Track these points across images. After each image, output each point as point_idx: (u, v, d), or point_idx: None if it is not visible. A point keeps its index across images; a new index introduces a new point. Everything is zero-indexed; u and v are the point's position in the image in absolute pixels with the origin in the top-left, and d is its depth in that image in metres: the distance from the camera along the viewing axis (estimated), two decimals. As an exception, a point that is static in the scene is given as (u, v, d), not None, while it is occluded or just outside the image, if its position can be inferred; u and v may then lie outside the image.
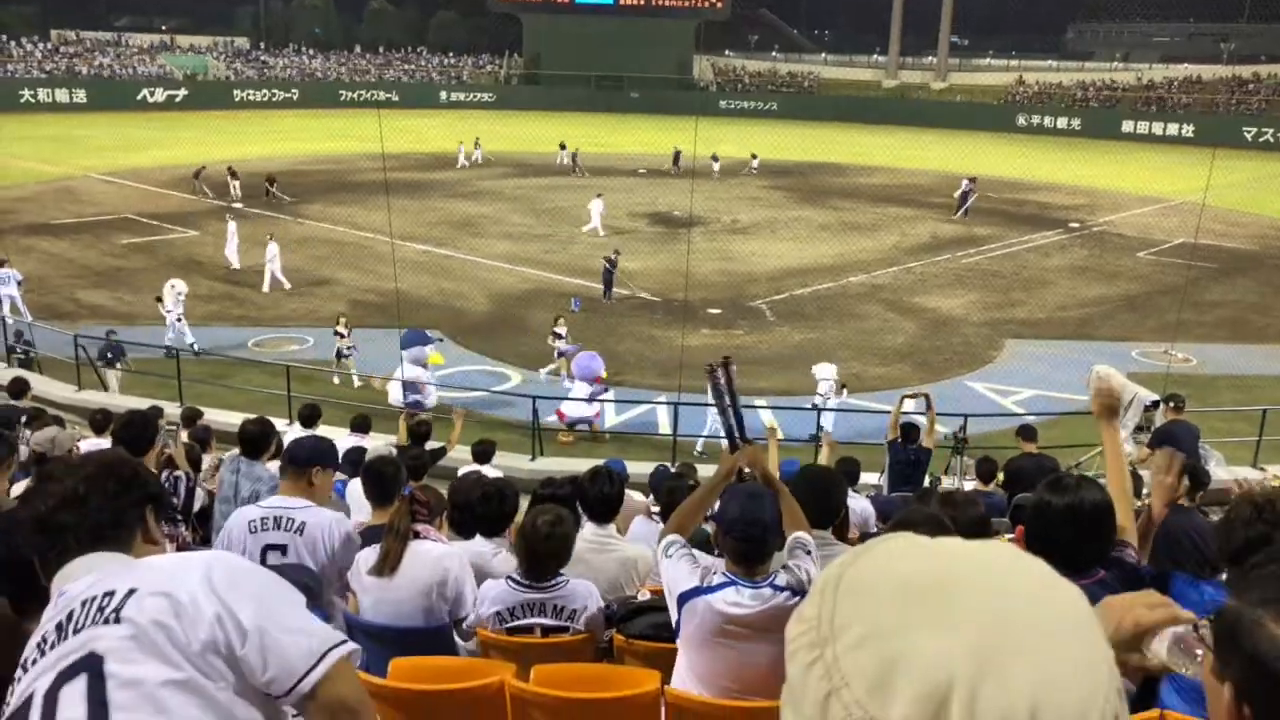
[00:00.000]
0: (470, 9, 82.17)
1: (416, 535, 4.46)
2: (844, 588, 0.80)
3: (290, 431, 9.60)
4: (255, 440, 6.11)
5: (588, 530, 5.06)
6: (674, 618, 3.42)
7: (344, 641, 1.88)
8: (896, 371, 17.08)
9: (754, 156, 43.59)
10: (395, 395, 15.03)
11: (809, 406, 14.83)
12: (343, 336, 16.75)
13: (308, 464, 4.66)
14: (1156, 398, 10.79)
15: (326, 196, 33.69)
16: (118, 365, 15.38)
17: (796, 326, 20.30)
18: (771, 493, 3.62)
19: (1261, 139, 57.27)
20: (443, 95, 73.29)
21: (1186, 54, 79.44)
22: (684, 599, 3.33)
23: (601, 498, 5.09)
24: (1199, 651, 1.27)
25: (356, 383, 16.54)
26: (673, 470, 9.07)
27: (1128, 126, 63.34)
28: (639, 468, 9.87)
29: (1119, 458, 3.80)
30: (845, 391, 15.33)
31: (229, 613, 1.73)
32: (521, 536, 4.21)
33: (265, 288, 22.01)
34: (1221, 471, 11.19)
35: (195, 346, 17.41)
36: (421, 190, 35.18)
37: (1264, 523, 3.29)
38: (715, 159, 41.95)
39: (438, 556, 4.42)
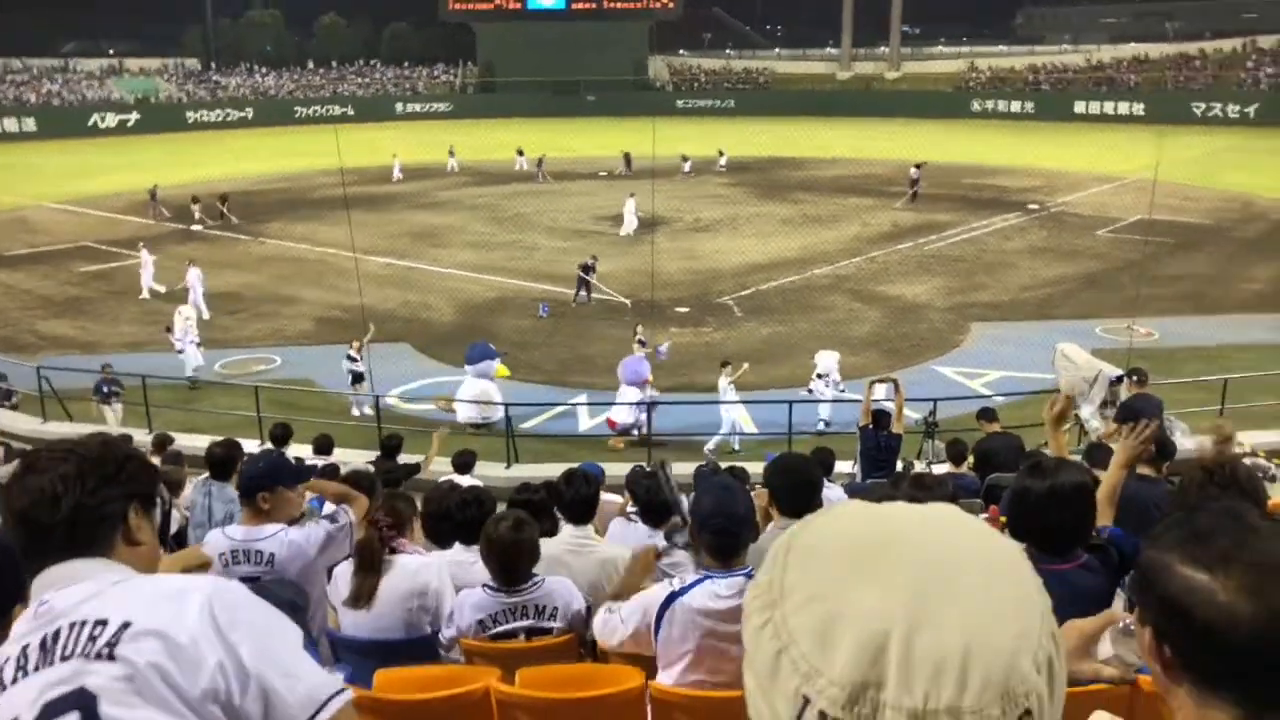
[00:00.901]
0: (423, 20, 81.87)
1: (393, 551, 4.44)
2: (794, 553, 0.85)
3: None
4: (222, 462, 6.09)
5: (566, 532, 5.07)
6: (652, 646, 3.42)
7: (343, 689, 1.81)
8: (865, 360, 17.20)
9: (721, 153, 43.70)
10: (465, 413, 14.72)
11: (804, 394, 15.11)
12: (355, 360, 15.94)
13: (253, 493, 4.50)
14: (1120, 373, 11.00)
15: (286, 214, 33.46)
16: (114, 401, 14.96)
17: (764, 321, 20.40)
18: (743, 485, 3.66)
19: (1210, 114, 58.25)
20: (399, 107, 73.04)
21: (1133, 33, 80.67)
22: (662, 611, 3.34)
23: (578, 499, 5.10)
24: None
25: (366, 409, 15.50)
26: (648, 469, 9.10)
27: (1080, 107, 64.23)
28: (616, 469, 9.89)
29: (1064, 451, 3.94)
30: (838, 384, 15.50)
31: (232, 658, 1.64)
32: (486, 544, 4.21)
33: (204, 313, 20.57)
34: (1187, 441, 11.38)
35: (195, 376, 17.12)
36: (381, 203, 35.04)
37: (1215, 485, 3.37)
38: (685, 159, 42.02)
39: (415, 570, 4.40)
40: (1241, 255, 25.47)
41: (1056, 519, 3.25)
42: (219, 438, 7.43)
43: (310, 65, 78.52)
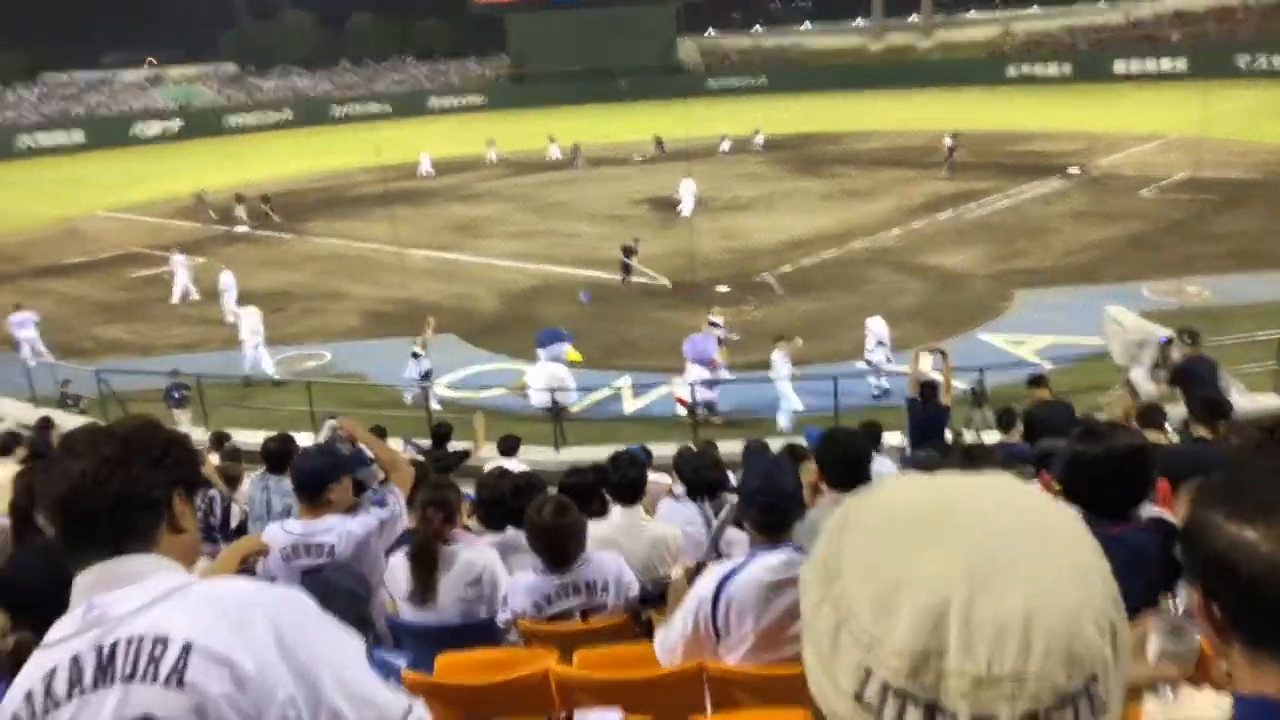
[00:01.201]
0: (451, 13, 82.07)
1: (445, 542, 4.49)
2: (849, 526, 0.85)
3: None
4: (278, 456, 6.23)
5: (616, 514, 5.14)
6: (712, 641, 3.41)
7: (411, 708, 1.78)
8: (909, 331, 17.05)
9: (757, 132, 43.34)
10: (537, 399, 14.75)
11: (858, 366, 15.19)
12: (418, 356, 15.78)
13: (319, 491, 4.49)
14: (1170, 334, 10.85)
15: (327, 212, 33.85)
16: (185, 405, 15.10)
17: (805, 297, 20.31)
18: (791, 462, 3.66)
19: (1255, 65, 56.69)
20: (432, 101, 73.37)
21: (1173, -13, 78.53)
22: (716, 596, 3.34)
23: (626, 482, 5.17)
24: (1184, 625, 1.32)
25: (435, 405, 15.34)
26: (694, 450, 9.16)
27: (1119, 67, 62.83)
28: (663, 449, 9.96)
29: None
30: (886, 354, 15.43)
31: (302, 686, 1.60)
32: (530, 530, 4.25)
33: (230, 318, 20.05)
34: (1243, 400, 11.19)
35: (276, 375, 17.25)
36: (420, 198, 35.33)
37: (1277, 443, 3.33)
38: (724, 138, 41.80)
39: (468, 559, 4.47)
40: (1293, 210, 24.84)
41: (1112, 481, 3.24)
42: (273, 433, 7.59)
43: (344, 63, 79.11)
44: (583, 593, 4.27)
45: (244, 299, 21.72)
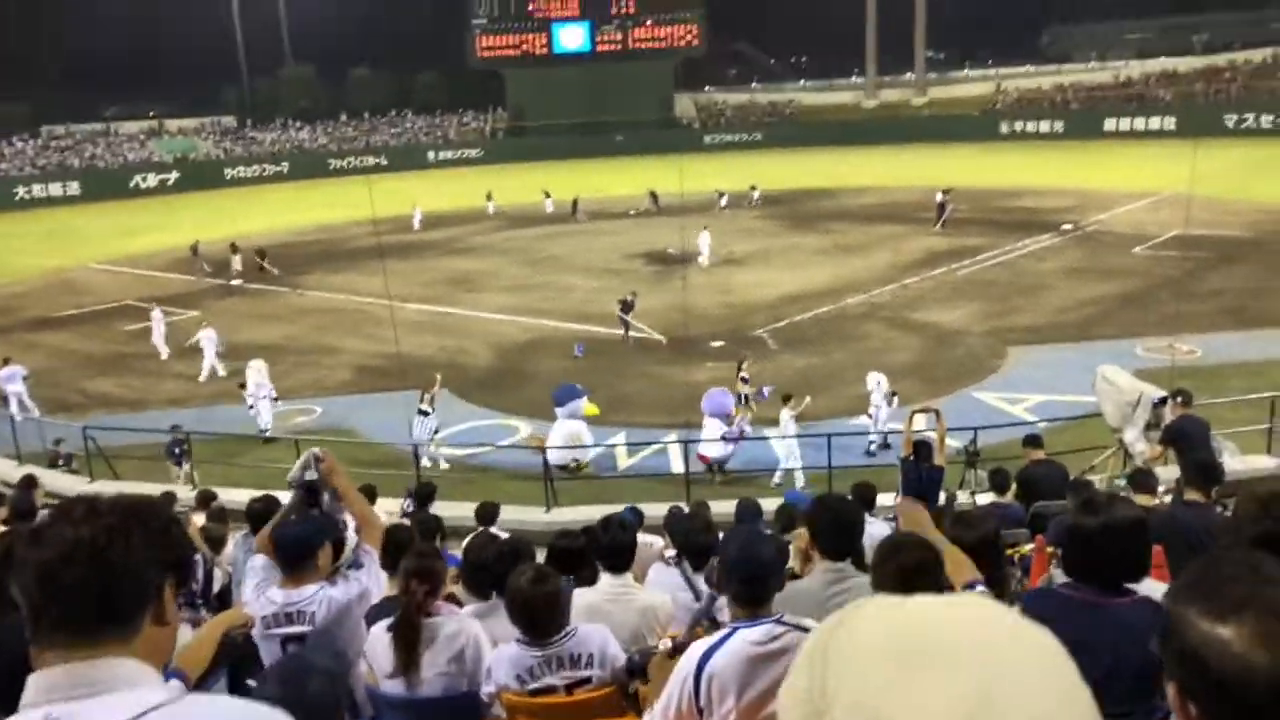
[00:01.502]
0: (452, 69, 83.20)
1: (428, 615, 4.40)
2: (831, 655, 0.83)
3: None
4: (262, 517, 6.13)
5: (604, 582, 5.04)
6: (694, 714, 3.27)
7: None
8: (903, 388, 17.04)
9: (754, 188, 43.70)
10: (555, 456, 14.69)
11: (853, 424, 15.34)
12: (427, 414, 15.78)
13: (302, 559, 4.40)
14: (1163, 394, 10.84)
15: (323, 265, 33.95)
16: (184, 461, 14.87)
17: (800, 352, 20.34)
18: (769, 534, 3.60)
19: (1243, 125, 57.55)
20: (430, 155, 74.03)
21: (1160, 48, 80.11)
22: (699, 673, 3.25)
23: (615, 547, 5.07)
24: None
25: (443, 464, 15.66)
26: (686, 511, 9.07)
27: (1110, 125, 63.74)
28: (654, 509, 9.85)
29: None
30: (896, 400, 15.46)
31: None
32: (509, 599, 4.16)
33: (203, 377, 20.79)
34: (1235, 463, 11.15)
35: (267, 431, 17.10)
36: (415, 251, 35.48)
37: (1271, 519, 3.28)
38: (721, 194, 42.03)
39: (451, 632, 4.37)
40: (1284, 267, 25.01)
41: (1112, 555, 3.19)
42: (258, 493, 7.50)
43: (343, 117, 79.96)
44: (567, 666, 4.16)
45: (237, 353, 21.71)
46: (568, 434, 15.05)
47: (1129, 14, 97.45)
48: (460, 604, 5.35)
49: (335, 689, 2.93)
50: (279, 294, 29.91)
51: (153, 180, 64.52)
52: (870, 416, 15.57)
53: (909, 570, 3.37)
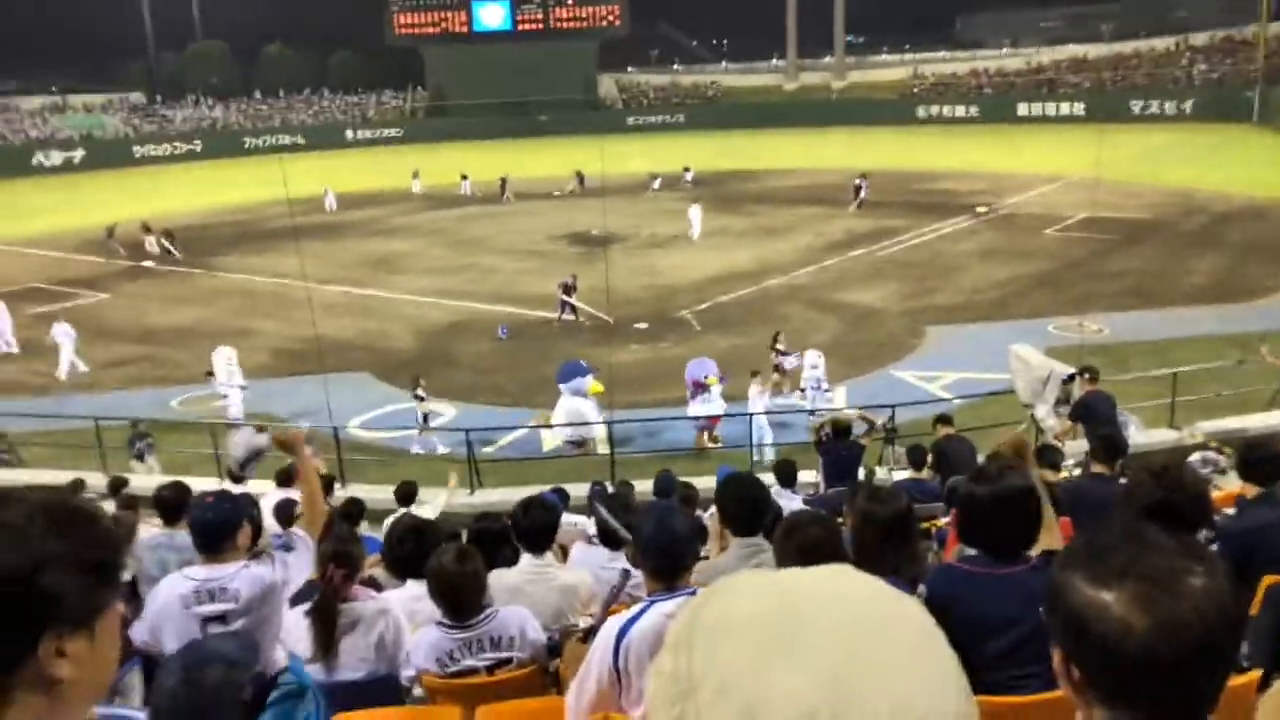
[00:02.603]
0: (369, 46, 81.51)
1: (344, 600, 4.34)
2: (697, 636, 0.81)
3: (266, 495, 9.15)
4: (171, 505, 5.98)
5: (525, 562, 5.04)
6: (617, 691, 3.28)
7: None
8: (825, 367, 17.30)
9: (687, 169, 43.57)
10: (562, 434, 14.45)
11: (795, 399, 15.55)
12: (423, 399, 15.56)
13: (220, 541, 4.32)
14: (1072, 371, 11.18)
15: (239, 246, 33.08)
16: (147, 459, 14.05)
17: (723, 333, 20.48)
18: (679, 505, 3.61)
19: (1148, 111, 59.49)
20: (349, 134, 72.61)
21: (1071, 36, 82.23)
22: (617, 646, 3.26)
23: (535, 528, 5.06)
24: None
25: (441, 449, 15.17)
26: (610, 490, 9.09)
27: (1023, 109, 65.39)
28: (578, 489, 9.86)
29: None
30: (825, 384, 15.77)
31: None
32: (431, 579, 4.15)
33: (61, 374, 19.42)
34: (1140, 436, 11.58)
35: (239, 421, 16.25)
36: (335, 232, 34.82)
37: (1162, 489, 3.42)
38: (654, 176, 41.68)
39: (370, 616, 4.33)
40: (1184, 249, 25.94)
41: (1003, 524, 3.29)
42: (167, 480, 7.31)
43: (257, 95, 77.81)
44: (488, 648, 4.16)
45: (150, 336, 21.07)
46: (571, 411, 14.89)
47: (1040, 2, 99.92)
48: (380, 587, 5.30)
49: (236, 678, 2.87)
50: (192, 276, 29.09)
51: (57, 158, 62.12)
52: (803, 392, 15.76)
53: (806, 548, 3.43)
